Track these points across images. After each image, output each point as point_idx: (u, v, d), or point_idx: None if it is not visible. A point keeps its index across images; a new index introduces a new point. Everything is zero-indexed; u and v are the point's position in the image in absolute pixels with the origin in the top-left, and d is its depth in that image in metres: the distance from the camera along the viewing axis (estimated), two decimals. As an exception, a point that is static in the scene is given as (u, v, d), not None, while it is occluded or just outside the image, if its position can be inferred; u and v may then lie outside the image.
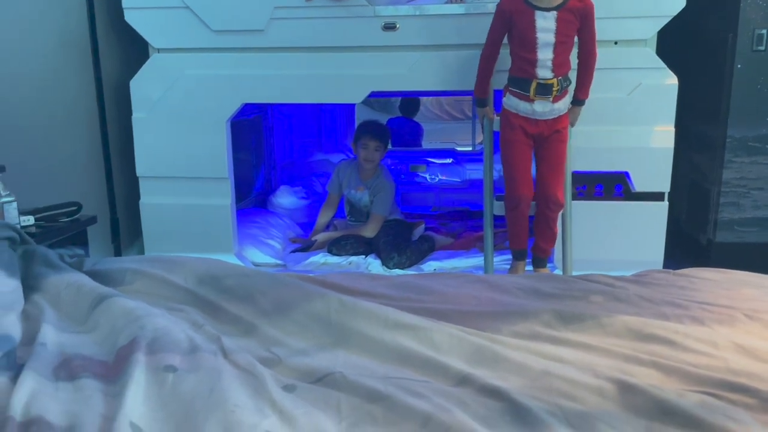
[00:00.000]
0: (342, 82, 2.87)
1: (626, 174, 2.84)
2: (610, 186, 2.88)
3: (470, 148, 5.33)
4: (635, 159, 2.82)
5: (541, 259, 2.77)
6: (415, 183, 4.54)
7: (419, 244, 3.24)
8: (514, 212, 2.68)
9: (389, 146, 3.45)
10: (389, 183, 3.34)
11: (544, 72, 2.49)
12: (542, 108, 2.53)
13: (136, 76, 2.94)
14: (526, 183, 2.63)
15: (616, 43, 2.74)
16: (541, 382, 1.19)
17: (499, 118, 2.75)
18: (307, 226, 3.67)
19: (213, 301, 1.52)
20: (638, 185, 2.84)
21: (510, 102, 2.60)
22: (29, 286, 1.59)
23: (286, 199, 3.90)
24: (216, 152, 2.97)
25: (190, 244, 2.99)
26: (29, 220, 2.26)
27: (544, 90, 2.50)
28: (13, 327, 1.34)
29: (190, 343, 1.28)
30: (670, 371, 1.21)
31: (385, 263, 3.06)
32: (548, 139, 2.59)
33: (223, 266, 1.65)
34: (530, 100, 2.53)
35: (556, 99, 2.53)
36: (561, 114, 2.58)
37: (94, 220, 2.52)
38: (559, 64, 2.49)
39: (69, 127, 2.86)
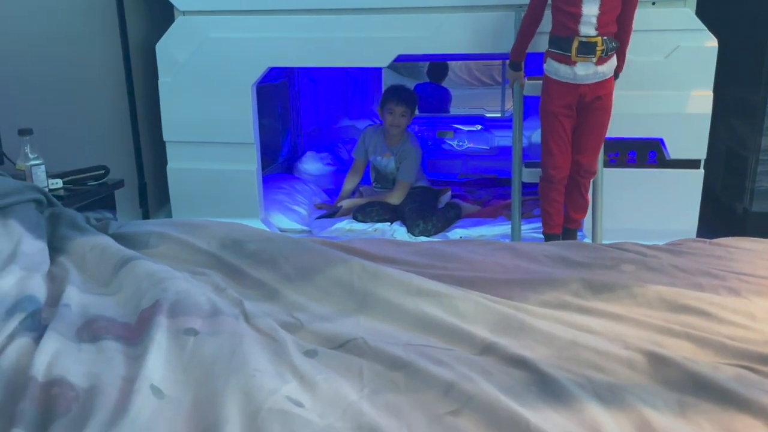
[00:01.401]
0: (369, 44, 2.81)
1: (661, 141, 2.75)
2: (644, 153, 2.79)
3: (499, 115, 5.23)
4: (671, 125, 2.72)
5: (571, 231, 2.70)
6: (442, 150, 4.48)
7: (445, 212, 3.20)
8: (549, 188, 2.59)
9: (416, 112, 3.39)
10: (416, 149, 3.29)
11: (587, 29, 2.33)
12: (584, 71, 2.39)
13: (161, 40, 2.91)
14: (564, 159, 2.52)
15: (654, 3, 2.63)
16: (568, 352, 1.15)
17: (529, 82, 2.67)
18: (333, 193, 3.65)
19: (235, 265, 1.51)
20: (673, 152, 2.75)
21: (550, 67, 2.47)
22: (55, 247, 1.59)
23: (312, 165, 3.87)
24: (242, 117, 2.94)
25: (217, 209, 2.99)
26: (57, 183, 2.27)
27: (587, 49, 2.35)
28: (39, 288, 1.35)
29: (212, 306, 1.27)
30: (705, 343, 1.16)
31: (411, 230, 3.03)
32: (589, 106, 2.46)
33: (245, 230, 1.63)
34: (571, 63, 2.38)
35: (600, 61, 2.38)
36: (605, 78, 2.44)
37: (122, 183, 2.52)
38: (605, 23, 2.35)
39: (96, 90, 2.86)
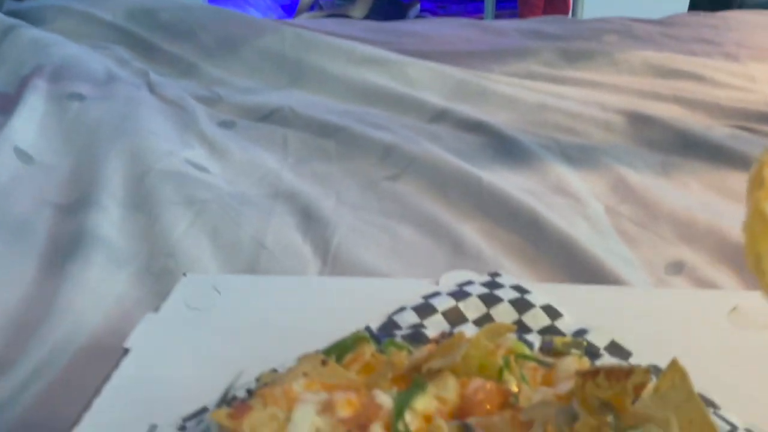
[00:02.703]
0: None
1: None
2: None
3: None
4: None
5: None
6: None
7: (413, 24, 2.91)
8: None
9: None
10: (380, -50, 2.93)
11: None
12: None
13: None
14: None
15: None
16: (534, 116, 0.96)
17: None
18: (289, 9, 3.29)
19: (145, 38, 1.26)
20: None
21: None
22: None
23: (265, -25, 3.47)
24: None
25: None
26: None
27: None
28: None
29: (108, 73, 1.05)
30: (697, 106, 0.98)
31: (374, 42, 2.76)
32: None
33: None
34: None
35: None
36: None
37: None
38: None
39: None
